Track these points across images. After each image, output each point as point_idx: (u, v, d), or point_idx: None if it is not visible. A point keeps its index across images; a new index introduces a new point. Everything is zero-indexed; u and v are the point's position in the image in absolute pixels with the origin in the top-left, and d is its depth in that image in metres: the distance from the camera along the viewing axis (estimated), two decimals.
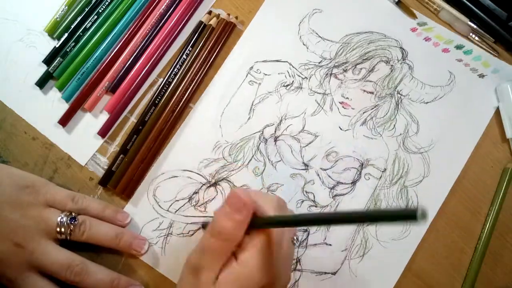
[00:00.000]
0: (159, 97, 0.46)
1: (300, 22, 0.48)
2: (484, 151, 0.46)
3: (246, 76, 0.47)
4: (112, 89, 0.46)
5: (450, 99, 0.47)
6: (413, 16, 0.48)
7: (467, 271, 0.44)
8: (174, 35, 0.48)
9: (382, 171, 0.46)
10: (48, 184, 0.42)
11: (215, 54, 0.47)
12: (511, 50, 0.48)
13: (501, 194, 0.45)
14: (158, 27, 0.47)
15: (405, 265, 0.44)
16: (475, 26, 0.48)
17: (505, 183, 0.45)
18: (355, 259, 0.44)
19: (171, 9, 0.48)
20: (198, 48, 0.47)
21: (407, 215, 0.24)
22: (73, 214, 0.41)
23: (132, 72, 0.46)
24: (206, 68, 0.47)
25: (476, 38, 0.48)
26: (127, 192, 0.44)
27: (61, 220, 0.40)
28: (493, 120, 0.47)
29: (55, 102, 0.46)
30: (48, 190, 0.42)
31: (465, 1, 0.48)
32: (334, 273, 0.44)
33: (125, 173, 0.44)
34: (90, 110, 0.46)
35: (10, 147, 0.46)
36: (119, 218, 0.43)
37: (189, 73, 0.47)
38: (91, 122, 0.46)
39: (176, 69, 0.47)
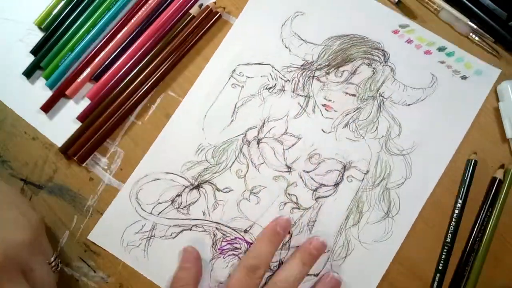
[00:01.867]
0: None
1: (282, 25, 0.48)
2: (484, 151, 0.46)
3: (229, 79, 0.47)
4: (96, 78, 0.47)
5: (432, 101, 0.47)
6: (413, 17, 0.48)
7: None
8: (166, 29, 0.48)
9: (365, 173, 0.46)
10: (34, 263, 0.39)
11: (193, 41, 0.47)
12: (511, 50, 0.48)
13: (502, 195, 0.45)
14: (149, 22, 0.48)
15: (387, 267, 0.44)
16: (475, 26, 0.48)
17: (506, 184, 0.45)
18: (337, 261, 0.44)
19: (164, 5, 0.48)
20: (176, 37, 0.47)
21: None
22: (59, 264, 0.41)
23: (118, 62, 0.47)
24: (182, 54, 0.47)
25: (476, 38, 0.48)
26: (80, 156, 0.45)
27: (54, 260, 0.40)
28: (493, 120, 0.47)
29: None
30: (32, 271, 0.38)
31: (465, 1, 0.48)
32: (316, 275, 0.44)
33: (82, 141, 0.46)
34: (71, 96, 0.46)
35: (10, 147, 0.46)
36: None
37: (161, 58, 0.47)
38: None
39: (150, 56, 0.47)
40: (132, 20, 0.48)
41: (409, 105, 0.47)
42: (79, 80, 0.46)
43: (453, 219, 0.45)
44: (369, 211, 0.45)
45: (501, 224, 0.44)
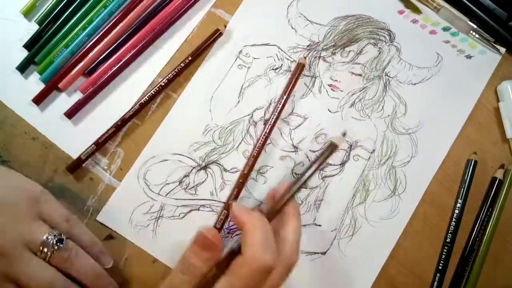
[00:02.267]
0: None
1: (289, 6, 0.48)
2: (484, 151, 0.47)
3: (235, 60, 0.47)
4: (89, 72, 0.46)
5: (437, 80, 0.47)
6: (417, 11, 0.48)
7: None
8: (162, 30, 0.47)
9: (371, 152, 0.46)
10: (48, 196, 0.40)
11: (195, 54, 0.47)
12: (511, 50, 0.48)
13: (502, 195, 0.45)
14: (146, 20, 0.47)
15: (394, 245, 0.44)
16: (475, 26, 0.48)
17: (506, 184, 0.45)
18: (344, 239, 0.45)
19: (163, 4, 0.47)
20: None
21: None
22: (62, 236, 0.38)
23: (112, 58, 0.46)
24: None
25: (477, 35, 0.48)
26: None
27: (47, 238, 0.37)
28: (493, 120, 0.47)
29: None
30: (46, 202, 0.40)
31: (465, 1, 0.48)
32: (324, 253, 0.44)
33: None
34: (64, 89, 0.46)
35: (10, 147, 0.46)
36: (102, 261, 0.41)
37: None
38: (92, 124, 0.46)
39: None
40: (129, 16, 0.47)
41: (414, 84, 0.47)
42: (72, 73, 0.46)
43: (453, 219, 0.45)
44: (376, 190, 0.45)
45: (501, 224, 0.45)
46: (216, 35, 0.47)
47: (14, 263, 0.36)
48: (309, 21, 0.48)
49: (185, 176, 0.45)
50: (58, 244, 0.37)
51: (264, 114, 0.47)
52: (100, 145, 0.45)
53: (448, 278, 0.45)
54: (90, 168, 0.45)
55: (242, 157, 0.46)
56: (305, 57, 0.47)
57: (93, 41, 0.46)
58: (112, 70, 0.46)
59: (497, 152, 0.47)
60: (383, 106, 0.47)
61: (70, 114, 0.46)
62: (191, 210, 0.45)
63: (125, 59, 0.46)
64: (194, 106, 0.47)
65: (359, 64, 0.47)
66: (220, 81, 0.47)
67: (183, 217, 0.45)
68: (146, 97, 0.46)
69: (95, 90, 0.46)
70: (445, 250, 0.45)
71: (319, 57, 0.47)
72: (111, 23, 0.47)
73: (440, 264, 0.44)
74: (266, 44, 0.48)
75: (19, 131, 0.46)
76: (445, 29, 0.48)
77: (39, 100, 0.46)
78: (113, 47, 0.47)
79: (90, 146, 0.45)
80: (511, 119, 0.46)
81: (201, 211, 0.45)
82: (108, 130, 0.45)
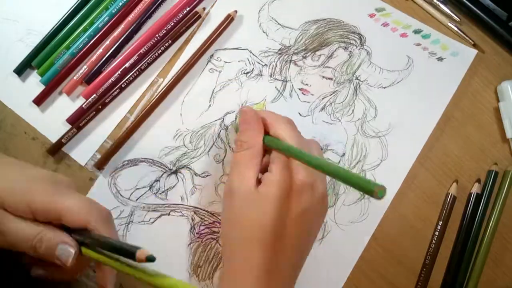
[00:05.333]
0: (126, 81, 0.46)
1: (260, 10, 0.48)
2: (484, 151, 0.47)
3: (207, 64, 0.47)
4: (88, 80, 0.46)
5: (408, 83, 0.47)
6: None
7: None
8: (162, 35, 0.47)
9: (341, 156, 0.46)
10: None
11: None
12: (511, 50, 0.48)
13: (502, 196, 0.45)
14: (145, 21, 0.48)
15: (364, 247, 0.44)
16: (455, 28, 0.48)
17: (506, 185, 0.45)
18: (315, 243, 0.44)
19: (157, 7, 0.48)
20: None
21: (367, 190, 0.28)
22: None
23: (112, 65, 0.46)
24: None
25: (454, 28, 0.48)
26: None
27: None
28: (493, 120, 0.47)
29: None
30: None
31: (465, 1, 0.48)
32: None
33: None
34: (68, 94, 0.46)
35: (10, 147, 0.46)
36: None
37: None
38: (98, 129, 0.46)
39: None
40: (129, 18, 0.47)
41: (385, 87, 0.47)
42: (75, 78, 0.46)
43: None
44: (345, 193, 0.45)
45: (501, 224, 0.45)
46: (195, 17, 0.47)
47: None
48: (280, 25, 0.48)
49: (156, 180, 0.45)
50: None
51: (236, 118, 0.47)
52: (80, 128, 0.45)
53: (448, 278, 0.45)
54: (90, 168, 0.45)
55: (213, 161, 0.46)
56: (235, 11, 0.47)
57: (93, 41, 0.46)
58: (115, 77, 0.46)
59: (497, 152, 0.47)
60: (353, 110, 0.47)
61: (73, 120, 0.46)
62: (161, 215, 0.45)
63: (129, 72, 0.46)
64: (165, 110, 0.46)
65: (330, 68, 0.47)
66: (191, 85, 0.47)
67: (153, 222, 0.45)
68: (127, 80, 0.46)
69: (99, 100, 0.46)
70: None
71: (290, 61, 0.47)
72: (111, 24, 0.47)
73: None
74: (237, 48, 0.48)
75: (19, 131, 0.46)
76: (416, 31, 0.48)
77: (39, 101, 0.46)
78: (114, 50, 0.47)
79: (71, 129, 0.45)
80: (511, 119, 0.46)
81: (171, 216, 0.45)
82: (89, 113, 0.45)
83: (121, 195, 0.45)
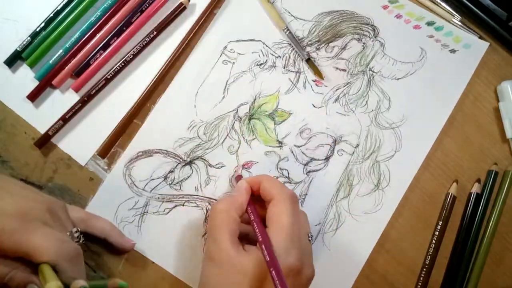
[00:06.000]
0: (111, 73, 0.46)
1: (274, 1, 0.48)
2: (484, 151, 0.47)
3: (220, 56, 0.48)
4: (78, 73, 0.46)
5: (421, 75, 0.47)
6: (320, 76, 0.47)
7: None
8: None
9: (355, 147, 0.46)
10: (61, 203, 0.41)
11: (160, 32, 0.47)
12: (511, 50, 0.48)
13: (502, 196, 0.45)
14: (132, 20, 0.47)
15: (378, 238, 0.45)
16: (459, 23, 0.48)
17: (506, 185, 0.45)
18: (328, 233, 0.45)
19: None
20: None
21: None
22: (80, 237, 0.39)
23: (104, 54, 0.46)
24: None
25: (459, 23, 0.48)
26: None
27: (71, 233, 0.39)
28: (493, 120, 0.47)
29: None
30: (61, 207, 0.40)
31: (465, 1, 0.48)
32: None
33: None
34: (58, 86, 0.46)
35: (10, 147, 0.45)
36: (126, 239, 0.43)
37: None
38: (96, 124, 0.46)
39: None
40: (120, 12, 0.47)
41: (398, 79, 0.47)
42: (65, 69, 0.46)
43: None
44: (359, 184, 0.45)
45: (501, 224, 0.45)
46: (179, 9, 0.47)
47: (55, 222, 0.37)
48: (294, 16, 0.48)
49: (170, 171, 0.45)
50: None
51: (249, 110, 0.47)
52: (66, 120, 0.45)
53: (448, 279, 0.45)
54: (90, 168, 0.45)
55: (227, 152, 0.46)
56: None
57: (86, 36, 0.46)
58: (109, 71, 0.46)
59: (497, 152, 0.47)
60: (367, 101, 0.47)
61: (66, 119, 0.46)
62: (175, 206, 0.45)
63: (121, 59, 0.46)
64: (179, 101, 0.47)
65: (343, 59, 0.47)
66: (205, 77, 0.47)
67: (168, 212, 0.45)
68: (113, 71, 0.46)
69: (90, 93, 0.46)
70: (433, 242, 0.45)
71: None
72: (103, 19, 0.47)
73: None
74: (251, 40, 0.48)
75: (19, 131, 0.46)
76: (429, 23, 0.48)
77: (33, 96, 0.46)
78: (104, 44, 0.47)
79: (57, 121, 0.45)
80: (511, 119, 0.46)
81: (186, 206, 0.45)
82: (75, 105, 0.45)
83: (135, 185, 0.45)
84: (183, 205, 0.45)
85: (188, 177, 0.45)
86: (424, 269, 0.44)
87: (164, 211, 0.45)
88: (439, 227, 0.45)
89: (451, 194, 0.45)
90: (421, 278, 0.44)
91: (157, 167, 0.45)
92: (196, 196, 0.45)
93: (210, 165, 0.46)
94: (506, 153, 0.47)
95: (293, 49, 0.48)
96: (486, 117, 0.47)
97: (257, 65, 0.47)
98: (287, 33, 0.47)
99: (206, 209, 0.45)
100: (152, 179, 0.45)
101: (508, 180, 0.45)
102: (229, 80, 0.47)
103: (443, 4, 0.48)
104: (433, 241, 0.45)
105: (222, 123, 0.46)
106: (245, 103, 0.47)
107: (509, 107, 0.46)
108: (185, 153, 0.46)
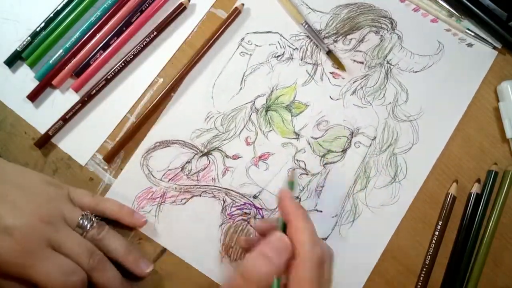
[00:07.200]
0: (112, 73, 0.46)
1: None
2: (484, 151, 0.47)
3: (238, 48, 0.48)
4: (78, 73, 0.46)
5: (438, 68, 0.47)
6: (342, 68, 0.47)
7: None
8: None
9: (372, 139, 0.46)
10: (72, 188, 0.43)
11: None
12: (511, 50, 0.48)
13: (502, 196, 0.45)
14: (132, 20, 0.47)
15: (394, 230, 0.45)
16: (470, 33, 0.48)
17: (506, 185, 0.45)
18: (345, 225, 0.45)
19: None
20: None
21: None
22: (93, 219, 0.41)
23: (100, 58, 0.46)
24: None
25: (473, 34, 0.48)
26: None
27: (82, 221, 0.40)
28: (493, 120, 0.47)
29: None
30: (73, 191, 0.42)
31: (465, 1, 0.48)
32: (325, 239, 0.45)
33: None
34: (58, 86, 0.46)
35: (10, 147, 0.45)
36: (136, 217, 0.44)
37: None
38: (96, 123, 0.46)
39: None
40: (120, 12, 0.47)
41: (416, 72, 0.47)
42: (65, 69, 0.46)
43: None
44: (376, 176, 0.46)
45: (501, 224, 0.45)
46: (180, 9, 0.47)
47: (59, 230, 0.38)
48: (311, 9, 0.48)
49: (187, 162, 0.46)
50: (90, 227, 0.40)
51: (266, 101, 0.47)
52: (66, 120, 0.45)
53: (448, 279, 0.45)
54: (90, 168, 0.46)
55: (244, 143, 0.46)
56: (242, 4, 0.47)
57: (86, 36, 0.46)
58: (108, 72, 0.46)
59: (497, 152, 0.47)
60: (384, 94, 0.47)
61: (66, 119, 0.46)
62: (192, 196, 0.45)
63: (122, 59, 0.46)
64: (196, 93, 0.47)
65: (361, 52, 0.48)
66: (222, 68, 0.47)
67: (185, 203, 0.45)
68: (113, 71, 0.46)
69: (90, 93, 0.46)
70: (433, 243, 0.45)
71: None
72: (103, 19, 0.47)
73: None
74: (268, 32, 0.48)
75: (19, 131, 0.46)
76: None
77: (33, 96, 0.46)
78: (104, 44, 0.47)
79: (57, 121, 0.45)
80: (511, 119, 0.46)
81: (203, 197, 0.45)
82: (75, 105, 0.45)
83: (153, 176, 0.45)
84: (200, 196, 0.45)
85: (205, 167, 0.46)
86: (424, 269, 0.44)
87: (181, 201, 0.45)
88: (439, 227, 0.45)
89: (451, 194, 0.45)
90: (421, 278, 0.44)
91: (174, 157, 0.46)
92: (213, 187, 0.45)
93: (227, 156, 0.46)
94: (506, 153, 0.47)
95: (311, 41, 0.48)
96: (486, 117, 0.47)
97: (275, 57, 0.48)
98: (305, 26, 0.47)
99: (223, 199, 0.45)
100: (170, 170, 0.45)
101: (508, 180, 0.45)
102: (246, 72, 0.47)
103: (443, 4, 0.48)
104: (433, 241, 0.45)
105: (239, 114, 0.47)
106: (262, 94, 0.47)
107: (509, 107, 0.46)
108: (202, 144, 0.46)
